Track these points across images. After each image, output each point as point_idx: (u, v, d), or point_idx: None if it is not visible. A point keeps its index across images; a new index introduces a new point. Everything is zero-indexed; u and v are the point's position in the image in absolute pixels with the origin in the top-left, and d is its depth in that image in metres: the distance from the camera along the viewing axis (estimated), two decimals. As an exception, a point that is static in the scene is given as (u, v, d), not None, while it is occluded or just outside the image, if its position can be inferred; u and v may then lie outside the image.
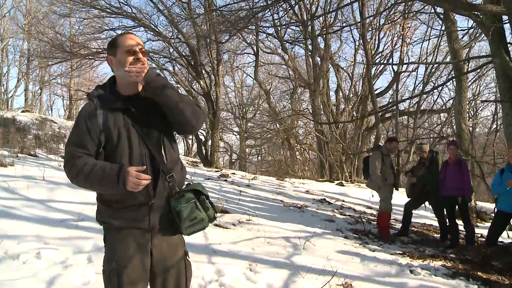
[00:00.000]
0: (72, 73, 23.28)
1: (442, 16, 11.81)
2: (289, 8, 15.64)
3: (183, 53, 16.43)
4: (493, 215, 11.32)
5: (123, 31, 14.46)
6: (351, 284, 4.72)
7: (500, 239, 8.10)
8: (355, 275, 5.04)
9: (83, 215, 5.75)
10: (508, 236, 7.99)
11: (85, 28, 16.99)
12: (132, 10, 14.79)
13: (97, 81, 26.75)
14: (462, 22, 45.46)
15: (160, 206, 2.41)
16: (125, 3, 14.63)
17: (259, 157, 32.98)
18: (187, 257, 2.61)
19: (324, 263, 5.14)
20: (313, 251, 5.96)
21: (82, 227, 5.40)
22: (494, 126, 23.98)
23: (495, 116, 23.57)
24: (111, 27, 15.34)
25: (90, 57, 15.43)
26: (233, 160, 31.55)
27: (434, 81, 19.47)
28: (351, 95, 21.40)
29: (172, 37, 15.91)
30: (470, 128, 19.00)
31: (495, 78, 22.33)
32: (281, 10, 15.78)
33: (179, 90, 2.62)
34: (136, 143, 2.38)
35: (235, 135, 31.32)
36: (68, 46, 15.57)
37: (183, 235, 2.55)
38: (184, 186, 2.54)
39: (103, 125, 2.36)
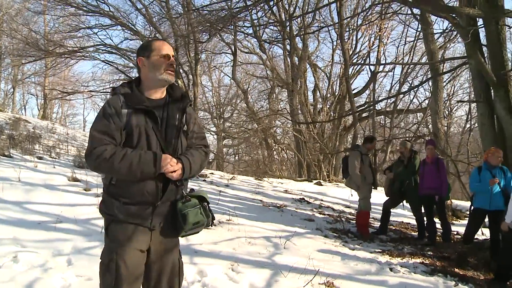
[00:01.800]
0: (47, 72, 22.76)
1: (419, 18, 12.00)
2: (268, 9, 15.66)
3: (161, 52, 16.27)
4: (468, 212, 11.59)
5: (100, 30, 14.30)
6: (333, 283, 4.75)
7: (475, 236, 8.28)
8: (337, 274, 5.08)
9: (62, 217, 5.65)
10: (482, 233, 8.17)
11: (61, 26, 16.68)
12: (109, 9, 14.57)
13: (73, 80, 26.23)
14: (437, 23, 46.28)
15: (165, 208, 2.53)
16: (102, 1, 14.40)
17: (236, 157, 32.92)
18: (181, 258, 2.73)
19: (306, 262, 5.17)
20: (294, 251, 5.98)
21: (61, 229, 5.31)
22: (468, 125, 24.44)
23: (469, 116, 24.03)
24: (87, 25, 15.07)
25: (66, 55, 15.14)
26: (210, 160, 31.41)
27: (410, 81, 19.79)
28: (329, 95, 21.56)
29: (150, 36, 15.75)
30: (445, 128, 19.33)
31: (469, 78, 22.83)
32: (260, 10, 15.77)
33: None
34: (154, 145, 2.49)
35: (213, 134, 31.16)
36: (43, 44, 15.25)
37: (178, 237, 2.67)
38: (188, 191, 2.67)
39: (126, 123, 2.45)
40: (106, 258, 2.48)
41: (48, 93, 26.82)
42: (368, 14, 15.94)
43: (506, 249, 5.59)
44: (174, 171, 2.43)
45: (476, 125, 22.82)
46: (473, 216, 6.89)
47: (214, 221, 2.72)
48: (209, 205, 2.66)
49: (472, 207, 6.87)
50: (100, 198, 2.63)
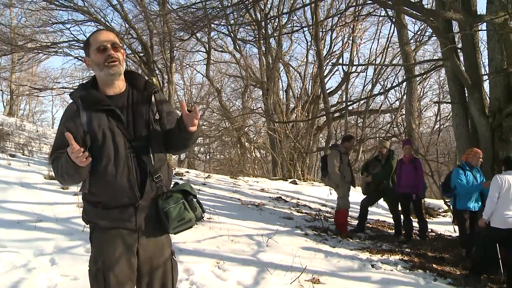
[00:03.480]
0: (14, 67, 21.99)
1: (394, 20, 12.21)
2: (244, 9, 15.62)
3: (135, 50, 16.02)
4: (440, 211, 11.89)
5: (73, 25, 13.95)
6: (319, 280, 4.82)
7: (448, 234, 8.53)
8: (321, 271, 5.15)
9: (42, 215, 5.52)
10: (455, 231, 8.40)
11: (30, 19, 16.12)
12: (84, 4, 14.17)
13: (42, 76, 25.49)
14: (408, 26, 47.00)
15: (147, 206, 2.37)
16: (76, -5, 13.98)
17: (208, 156, 32.72)
18: (174, 257, 2.56)
19: (290, 260, 5.24)
20: (277, 248, 6.04)
21: (41, 228, 5.19)
22: (437, 126, 25.01)
23: (438, 117, 24.61)
24: (60, 20, 14.60)
25: (38, 50, 14.69)
26: (181, 159, 31.15)
27: (381, 82, 20.14)
28: (302, 94, 21.68)
29: (125, 33, 15.45)
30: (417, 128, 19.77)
31: (438, 80, 23.44)
32: (236, 11, 15.72)
33: None
34: (121, 144, 2.32)
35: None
36: (11, 38, 14.72)
37: (169, 235, 2.52)
38: (171, 186, 2.51)
39: (87, 126, 2.29)
40: (93, 267, 2.35)
41: (15, 89, 25.96)
42: (341, 17, 16.11)
43: (481, 245, 5.78)
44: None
45: (445, 125, 23.52)
46: (461, 219, 6.74)
47: (204, 214, 2.54)
48: (196, 198, 2.50)
49: (455, 208, 6.77)
50: (80, 197, 2.51)
